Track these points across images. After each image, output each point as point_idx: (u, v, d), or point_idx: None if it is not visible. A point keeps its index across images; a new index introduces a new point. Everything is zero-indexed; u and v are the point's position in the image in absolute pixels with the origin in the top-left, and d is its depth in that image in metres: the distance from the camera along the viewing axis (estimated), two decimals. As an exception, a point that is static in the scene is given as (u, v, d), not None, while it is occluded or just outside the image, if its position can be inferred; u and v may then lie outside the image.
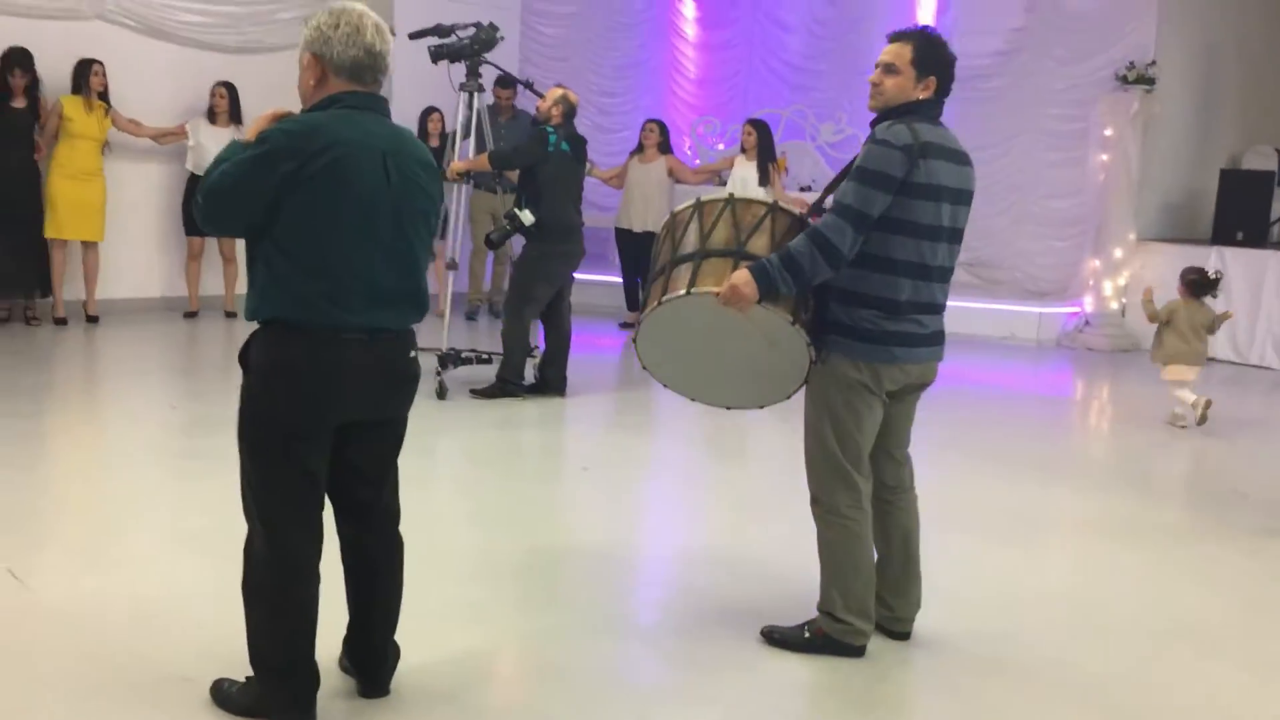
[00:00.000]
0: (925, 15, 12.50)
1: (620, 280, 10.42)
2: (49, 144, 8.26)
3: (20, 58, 8.00)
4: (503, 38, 7.19)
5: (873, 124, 3.47)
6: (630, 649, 3.67)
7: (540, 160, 6.67)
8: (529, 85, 7.76)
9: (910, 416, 3.70)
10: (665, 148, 10.06)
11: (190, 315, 9.15)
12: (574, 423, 6.74)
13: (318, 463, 2.86)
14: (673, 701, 3.30)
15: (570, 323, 7.07)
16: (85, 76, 8.27)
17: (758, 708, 3.25)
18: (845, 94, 12.88)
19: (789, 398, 3.66)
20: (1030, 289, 11.73)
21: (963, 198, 3.49)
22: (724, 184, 10.01)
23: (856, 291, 3.40)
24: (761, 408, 3.75)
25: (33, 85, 8.11)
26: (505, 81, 9.31)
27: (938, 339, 3.56)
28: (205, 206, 2.74)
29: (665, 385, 3.79)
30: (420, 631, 3.41)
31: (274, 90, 9.42)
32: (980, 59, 12.09)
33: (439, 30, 6.80)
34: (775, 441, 6.24)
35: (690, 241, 3.50)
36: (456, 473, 5.70)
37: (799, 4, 13.36)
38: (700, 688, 3.37)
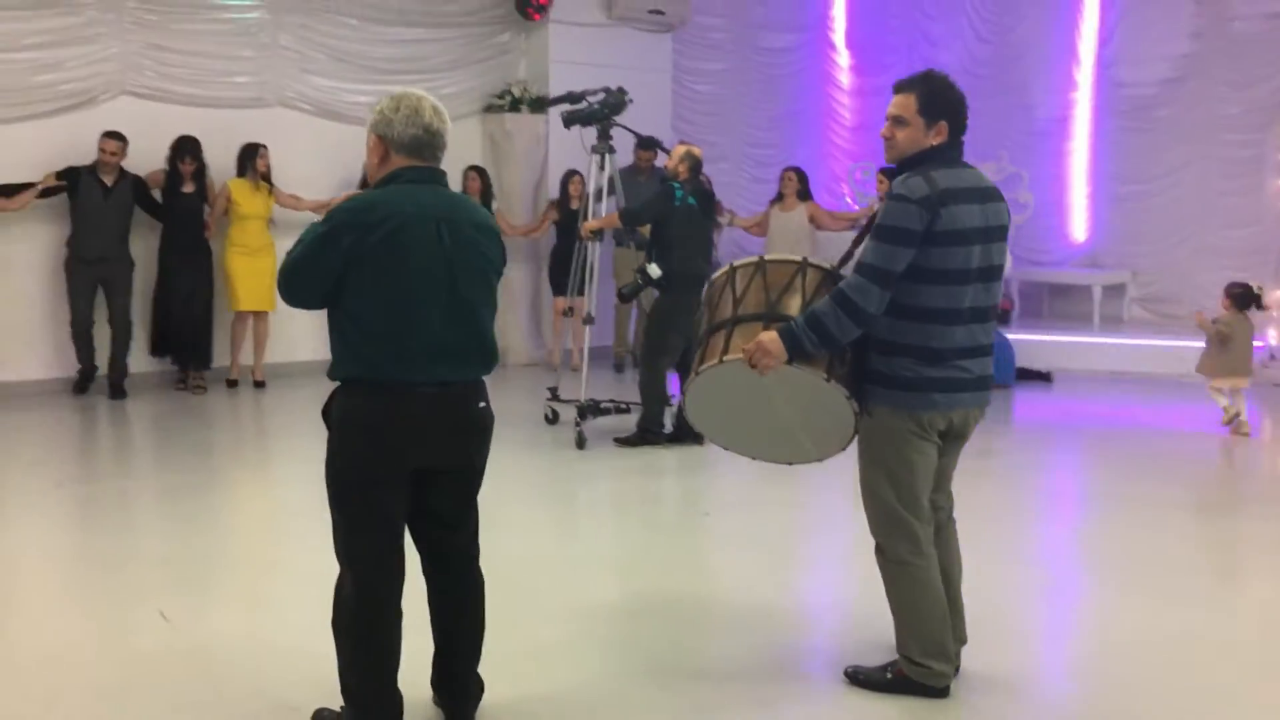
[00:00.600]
0: (1087, 48, 12.25)
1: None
2: (218, 224, 8.93)
3: (190, 146, 8.70)
4: (630, 101, 7.48)
5: (891, 176, 3.52)
6: (710, 692, 3.76)
7: (667, 215, 6.90)
8: (659, 145, 8.00)
9: (952, 465, 3.70)
10: (805, 195, 10.17)
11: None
12: (708, 469, 6.86)
13: (395, 508, 3.11)
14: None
15: None
16: (251, 159, 8.93)
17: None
18: (1006, 133, 12.71)
19: (844, 449, 3.72)
20: (1210, 324, 11.21)
21: (994, 234, 3.49)
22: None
23: (893, 341, 3.44)
24: (820, 461, 3.82)
25: (200, 171, 8.79)
26: (646, 143, 9.59)
27: (984, 384, 3.55)
28: (283, 283, 3.07)
29: (725, 448, 3.92)
30: (512, 668, 3.61)
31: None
32: (1146, 88, 11.76)
33: (570, 97, 7.14)
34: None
35: (725, 309, 3.65)
36: (579, 517, 5.93)
37: (955, 44, 13.26)
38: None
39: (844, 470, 6.40)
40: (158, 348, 8.84)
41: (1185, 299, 11.62)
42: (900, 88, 3.54)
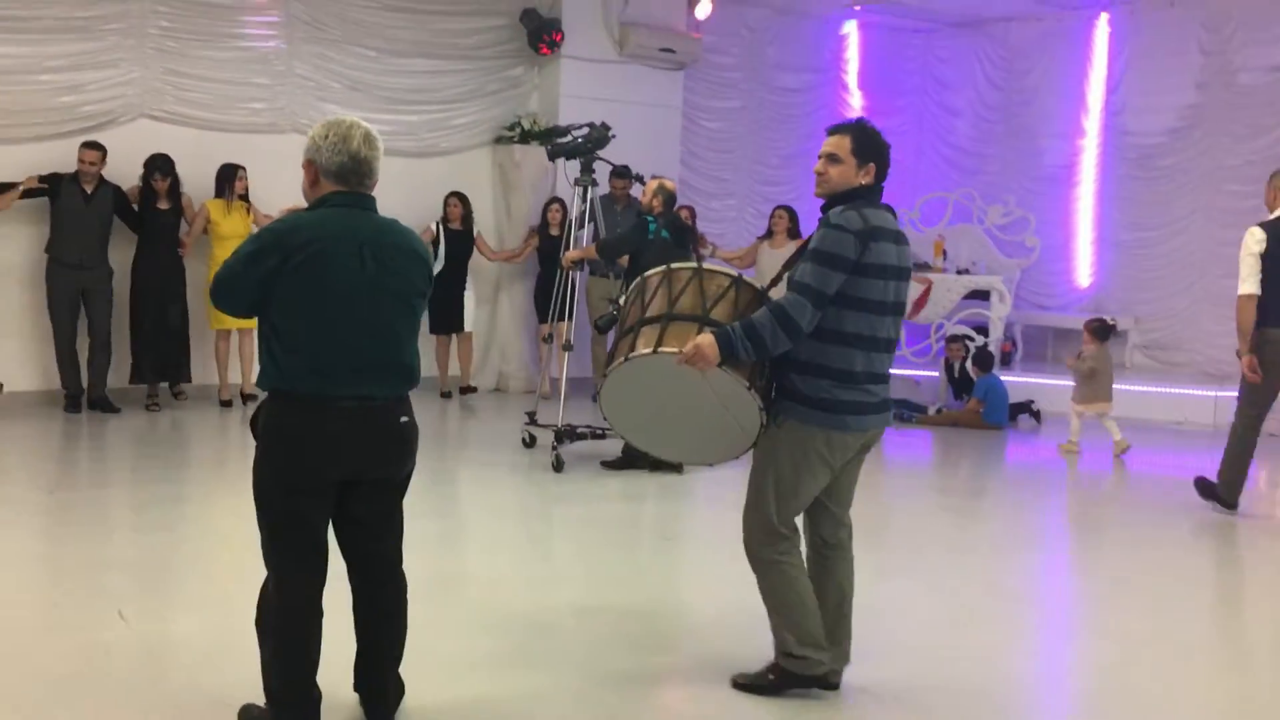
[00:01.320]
0: (1095, 96, 12.37)
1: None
2: (197, 243, 9.08)
3: (163, 163, 8.85)
4: (614, 136, 7.69)
5: (822, 209, 3.73)
6: (622, 703, 3.89)
7: (642, 247, 7.08)
8: (638, 178, 8.18)
9: (855, 478, 3.93)
10: (795, 233, 10.35)
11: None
12: (683, 496, 7.00)
13: (317, 516, 3.27)
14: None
15: None
16: (230, 180, 9.12)
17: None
18: (1013, 177, 12.86)
19: (738, 458, 3.94)
20: (1210, 371, 11.24)
21: (904, 274, 3.77)
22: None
23: (814, 363, 3.67)
24: (712, 465, 4.08)
25: (174, 188, 8.94)
26: (621, 173, 9.83)
27: (885, 406, 3.81)
28: (213, 291, 3.27)
29: (625, 438, 4.15)
30: (433, 676, 3.77)
31: (436, 187, 10.32)
32: (1152, 137, 11.87)
33: (555, 130, 7.35)
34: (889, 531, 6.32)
35: (658, 305, 3.83)
36: (545, 537, 6.09)
37: (966, 88, 13.43)
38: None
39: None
40: (137, 372, 8.94)
41: (1186, 346, 11.68)
42: (836, 130, 3.80)
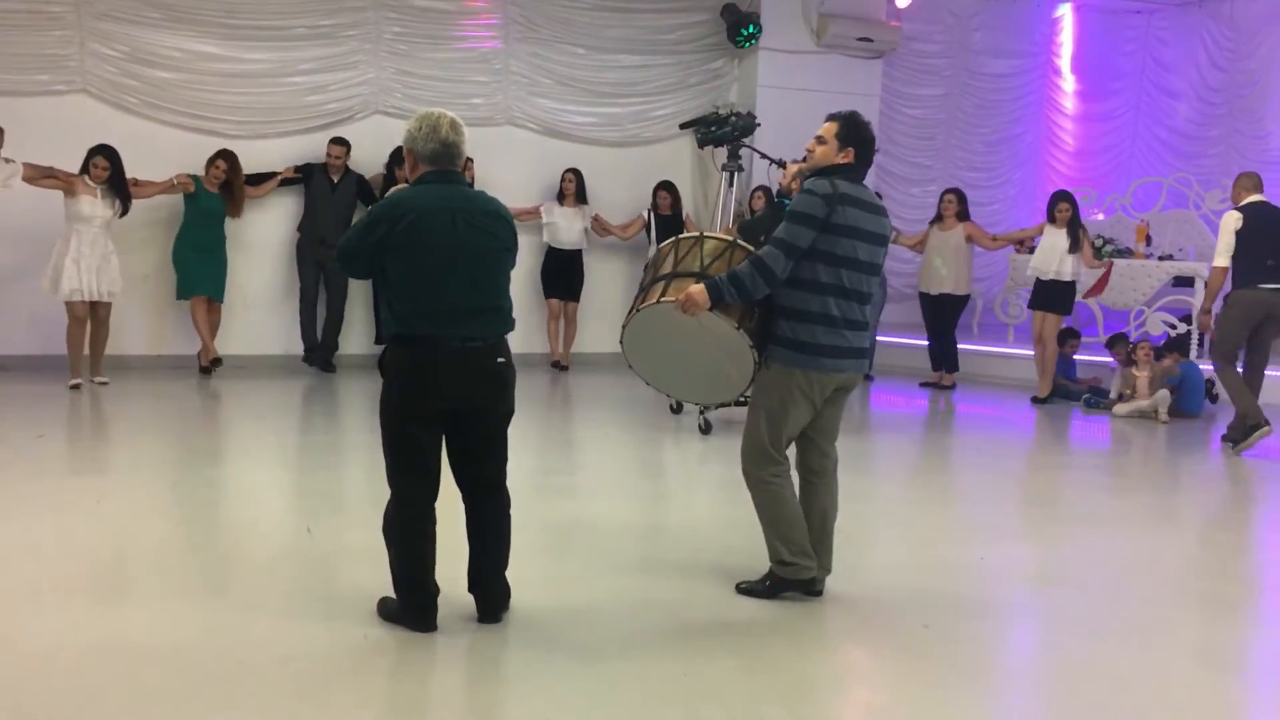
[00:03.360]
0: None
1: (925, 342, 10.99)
2: None
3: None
4: (759, 124, 8.14)
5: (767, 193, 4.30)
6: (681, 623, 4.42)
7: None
8: (779, 163, 8.56)
9: (839, 416, 4.48)
10: (964, 215, 10.50)
11: (562, 367, 10.79)
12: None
13: (428, 440, 3.95)
14: (674, 631, 4.04)
15: None
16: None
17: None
18: (1235, 161, 12.41)
19: (743, 395, 4.58)
20: None
21: (875, 239, 4.35)
22: (1031, 251, 10.48)
23: (793, 308, 4.28)
24: (719, 406, 4.83)
25: None
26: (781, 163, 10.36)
27: (860, 353, 4.41)
28: (338, 258, 4.02)
29: (647, 383, 4.82)
30: (539, 589, 4.43)
31: (624, 172, 11.01)
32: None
33: (705, 120, 7.87)
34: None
35: (667, 267, 4.50)
36: (673, 490, 6.66)
37: (1188, 69, 13.03)
38: (703, 625, 4.09)
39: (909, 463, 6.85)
40: (381, 337, 10.10)
41: None
42: (831, 118, 4.45)
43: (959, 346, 10.78)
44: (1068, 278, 9.81)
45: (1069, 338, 10.48)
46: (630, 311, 4.59)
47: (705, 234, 4.63)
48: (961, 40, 12.77)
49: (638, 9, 11.29)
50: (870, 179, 11.46)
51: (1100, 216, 12.48)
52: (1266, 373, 8.46)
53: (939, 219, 10.70)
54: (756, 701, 3.65)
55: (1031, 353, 10.31)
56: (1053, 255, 9.79)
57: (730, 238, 4.57)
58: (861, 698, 3.81)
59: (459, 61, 10.71)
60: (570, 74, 11.14)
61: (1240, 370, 8.27)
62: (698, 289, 4.25)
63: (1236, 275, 8.10)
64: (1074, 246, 9.73)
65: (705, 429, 7.76)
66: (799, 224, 4.19)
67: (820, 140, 4.37)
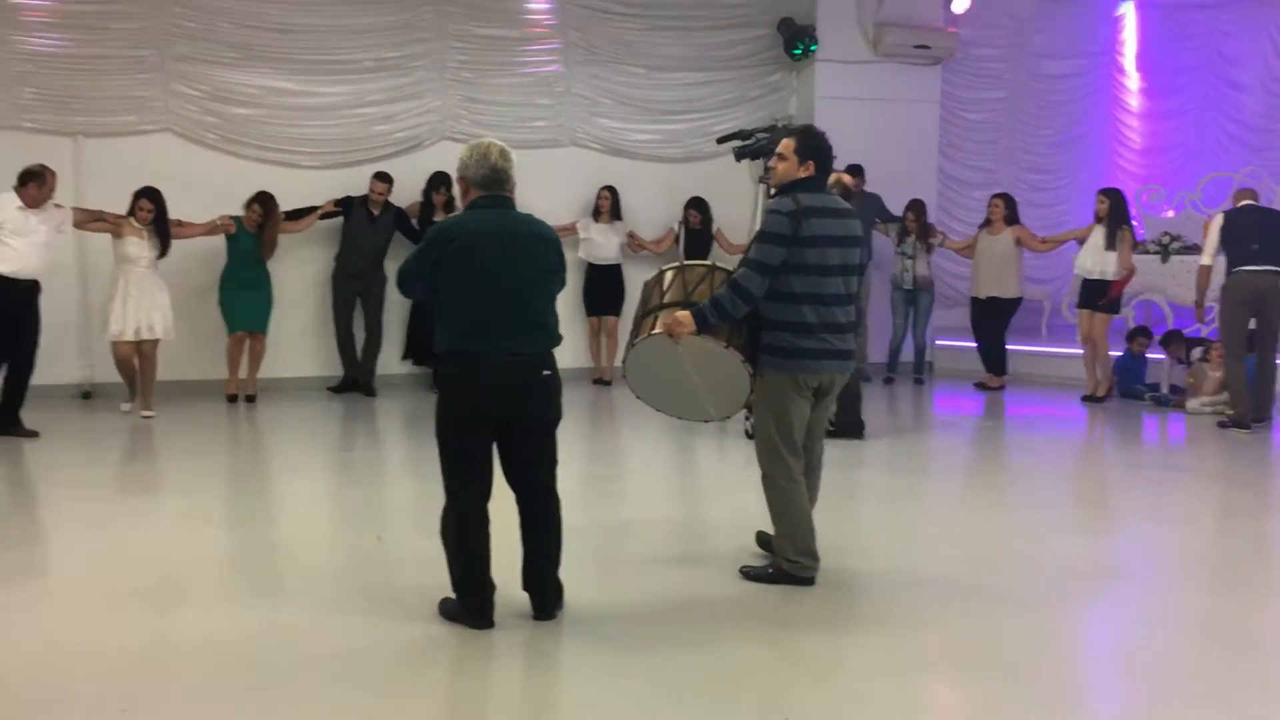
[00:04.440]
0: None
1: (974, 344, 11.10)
2: None
3: (443, 179, 9.85)
4: None
5: (773, 197, 4.72)
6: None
7: None
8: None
9: (824, 413, 4.89)
10: (1013, 219, 10.61)
11: (604, 382, 10.89)
12: (873, 463, 7.54)
13: (480, 448, 4.20)
14: (718, 625, 4.22)
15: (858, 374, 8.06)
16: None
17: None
18: (1305, 152, 12.23)
19: (743, 408, 4.89)
20: None
21: (848, 242, 4.64)
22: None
23: (774, 319, 4.62)
24: (727, 418, 5.10)
25: (449, 203, 9.96)
26: (851, 171, 10.56)
27: (844, 355, 4.70)
28: (398, 282, 4.31)
29: (658, 410, 5.10)
30: (593, 584, 4.65)
31: (659, 189, 11.18)
32: None
33: (741, 134, 8.03)
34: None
35: (655, 299, 4.82)
36: (717, 490, 6.83)
37: (1254, 61, 12.89)
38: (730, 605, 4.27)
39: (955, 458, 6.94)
40: (410, 353, 10.38)
41: None
42: (787, 133, 4.85)
43: (1010, 348, 10.89)
44: (1112, 276, 9.80)
45: (1138, 335, 10.42)
46: (628, 347, 4.90)
47: (685, 263, 4.98)
48: (1021, 43, 12.76)
49: (696, 27, 11.50)
50: (930, 184, 11.62)
51: (1170, 214, 12.37)
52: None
53: (987, 223, 10.82)
54: (793, 693, 3.83)
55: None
56: (1095, 253, 9.85)
57: (709, 263, 4.93)
58: (891, 687, 3.95)
59: (522, 86, 11.02)
60: (630, 93, 11.39)
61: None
62: (683, 314, 4.58)
63: (1228, 266, 8.87)
64: (1110, 243, 9.74)
65: (751, 434, 7.91)
66: (769, 243, 4.52)
67: (781, 157, 4.67)
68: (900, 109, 11.76)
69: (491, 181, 4.22)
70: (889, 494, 6.83)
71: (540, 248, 4.24)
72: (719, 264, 4.92)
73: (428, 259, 4.16)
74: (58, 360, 9.33)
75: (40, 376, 8.47)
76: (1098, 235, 9.87)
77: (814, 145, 4.67)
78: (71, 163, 9.71)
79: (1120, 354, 10.28)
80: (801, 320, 4.57)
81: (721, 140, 8.01)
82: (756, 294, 4.53)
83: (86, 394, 9.74)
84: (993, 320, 10.75)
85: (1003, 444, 8.90)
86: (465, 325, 4.14)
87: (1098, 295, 9.91)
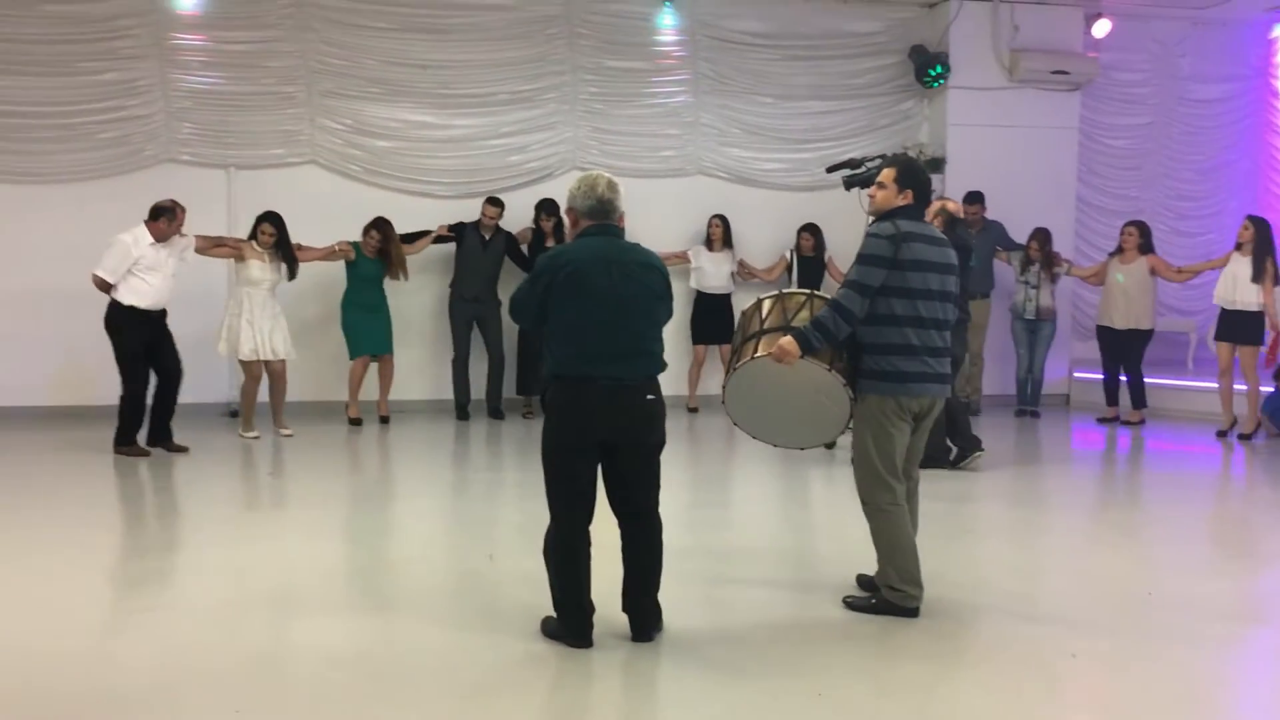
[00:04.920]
0: None
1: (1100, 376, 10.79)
2: None
3: (549, 206, 10.08)
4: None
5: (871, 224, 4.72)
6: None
7: None
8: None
9: (922, 440, 4.86)
10: (1146, 248, 10.29)
11: (692, 410, 10.87)
12: (981, 497, 7.37)
13: (584, 469, 4.29)
14: (815, 652, 4.19)
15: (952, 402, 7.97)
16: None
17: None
18: None
19: (842, 433, 4.85)
20: None
21: (946, 269, 4.73)
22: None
23: (875, 342, 4.66)
24: (827, 445, 5.08)
25: (558, 227, 10.05)
26: (971, 198, 10.72)
27: (943, 379, 4.75)
28: (511, 310, 4.46)
29: (754, 438, 5.12)
30: (690, 611, 4.68)
31: (781, 218, 11.12)
32: None
33: (851, 163, 7.98)
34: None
35: (754, 325, 4.87)
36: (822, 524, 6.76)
37: None
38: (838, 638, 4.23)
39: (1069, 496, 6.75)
40: (523, 385, 10.43)
41: None
42: (888, 162, 5.02)
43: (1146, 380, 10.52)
44: (1254, 307, 9.37)
45: (1289, 370, 9.95)
46: (728, 372, 4.95)
47: (784, 291, 5.07)
48: (1168, 67, 12.34)
49: (826, 56, 11.49)
50: (1068, 210, 11.35)
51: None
52: None
53: (1119, 251, 10.49)
54: None
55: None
56: (1233, 283, 9.48)
57: (808, 291, 5.01)
58: (995, 721, 3.87)
59: (651, 117, 11.17)
60: (758, 123, 11.42)
61: None
62: (788, 340, 4.64)
63: None
64: (1257, 275, 9.32)
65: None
66: (869, 265, 4.61)
67: (880, 185, 4.81)
68: (1037, 135, 11.52)
69: (598, 212, 4.34)
70: (1006, 528, 6.69)
71: (647, 275, 4.33)
72: (817, 292, 4.98)
73: (538, 286, 4.29)
74: (207, 380, 9.86)
75: (191, 395, 8.99)
76: (1241, 265, 9.47)
77: (913, 175, 4.82)
78: (225, 193, 10.26)
79: (1272, 390, 9.81)
80: (905, 342, 4.63)
81: (831, 169, 7.98)
82: (858, 314, 4.59)
83: (233, 413, 10.22)
84: (1126, 353, 10.41)
85: (1129, 479, 8.61)
86: (573, 351, 4.24)
87: (1239, 326, 9.50)
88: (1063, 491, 7.84)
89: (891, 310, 4.61)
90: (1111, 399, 10.61)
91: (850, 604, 4.89)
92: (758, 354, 4.80)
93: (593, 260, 4.25)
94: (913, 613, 4.74)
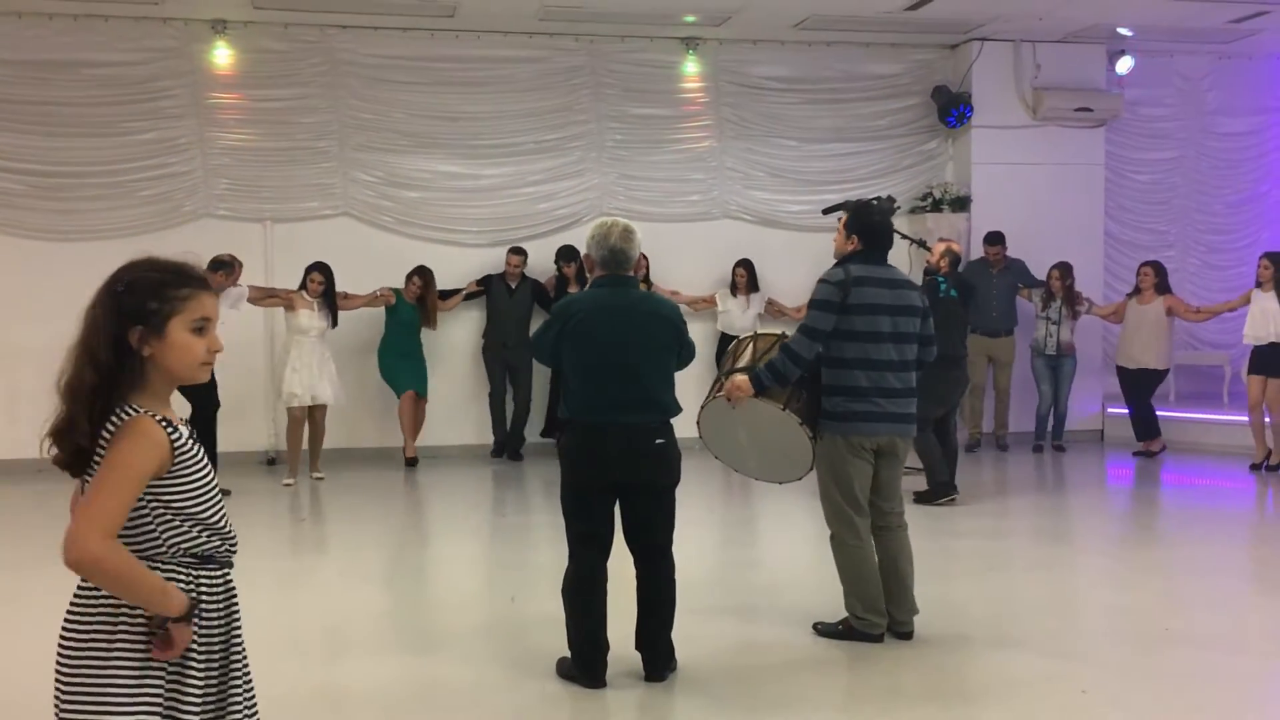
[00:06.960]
0: None
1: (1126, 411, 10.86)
2: None
3: (569, 253, 10.41)
4: (898, 207, 8.25)
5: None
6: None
7: (933, 304, 7.60)
8: (922, 244, 8.59)
9: (895, 476, 5.02)
10: (1163, 288, 10.38)
11: None
12: (1001, 533, 7.38)
13: (600, 510, 4.40)
14: (828, 690, 4.23)
15: (956, 436, 8.29)
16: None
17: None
18: None
19: (809, 471, 5.00)
20: None
21: (902, 310, 4.89)
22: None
23: (830, 384, 4.89)
24: (799, 479, 5.17)
25: (580, 272, 10.25)
26: (992, 239, 10.82)
27: (896, 418, 4.87)
28: (533, 351, 4.64)
29: (736, 471, 5.42)
30: (702, 648, 4.75)
31: (808, 259, 11.10)
32: None
33: (845, 205, 8.05)
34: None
35: (725, 365, 5.09)
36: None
37: None
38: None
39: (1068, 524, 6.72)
40: (550, 429, 10.56)
41: None
42: (842, 209, 5.30)
43: (1180, 415, 10.75)
44: None
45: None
46: (700, 410, 5.14)
47: (759, 332, 5.30)
48: (1194, 102, 12.35)
49: (848, 99, 11.63)
50: (1096, 247, 11.38)
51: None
52: None
53: (1136, 292, 10.56)
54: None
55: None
56: (1264, 319, 9.49)
57: (779, 332, 5.18)
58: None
59: (676, 162, 11.34)
60: (781, 165, 11.55)
61: None
62: (739, 379, 4.89)
63: None
64: None
65: (915, 498, 7.88)
66: (819, 310, 4.83)
67: (837, 232, 5.10)
68: (1062, 172, 11.57)
69: (610, 262, 4.45)
70: (1034, 563, 6.68)
71: (657, 325, 4.43)
72: (788, 332, 5.12)
73: (550, 333, 4.45)
74: (247, 426, 10.10)
75: (231, 442, 9.20)
76: (1268, 300, 9.46)
77: (861, 222, 5.02)
78: (261, 245, 10.52)
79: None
80: (855, 384, 4.82)
81: (827, 211, 8.06)
82: (806, 357, 4.79)
83: (271, 460, 10.42)
84: (1139, 390, 10.55)
85: (1156, 512, 8.57)
86: (585, 398, 4.37)
87: (1271, 360, 9.48)
88: (1090, 525, 7.83)
89: (842, 354, 4.83)
90: (1139, 433, 10.68)
91: (819, 629, 5.09)
92: (718, 393, 5.03)
93: (602, 309, 4.38)
94: (877, 639, 4.92)
